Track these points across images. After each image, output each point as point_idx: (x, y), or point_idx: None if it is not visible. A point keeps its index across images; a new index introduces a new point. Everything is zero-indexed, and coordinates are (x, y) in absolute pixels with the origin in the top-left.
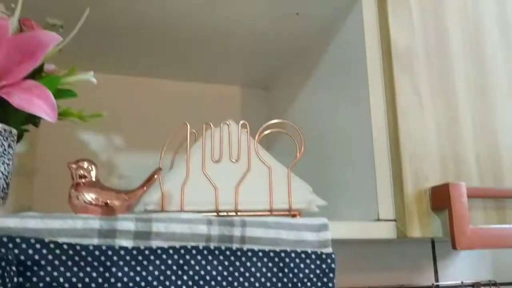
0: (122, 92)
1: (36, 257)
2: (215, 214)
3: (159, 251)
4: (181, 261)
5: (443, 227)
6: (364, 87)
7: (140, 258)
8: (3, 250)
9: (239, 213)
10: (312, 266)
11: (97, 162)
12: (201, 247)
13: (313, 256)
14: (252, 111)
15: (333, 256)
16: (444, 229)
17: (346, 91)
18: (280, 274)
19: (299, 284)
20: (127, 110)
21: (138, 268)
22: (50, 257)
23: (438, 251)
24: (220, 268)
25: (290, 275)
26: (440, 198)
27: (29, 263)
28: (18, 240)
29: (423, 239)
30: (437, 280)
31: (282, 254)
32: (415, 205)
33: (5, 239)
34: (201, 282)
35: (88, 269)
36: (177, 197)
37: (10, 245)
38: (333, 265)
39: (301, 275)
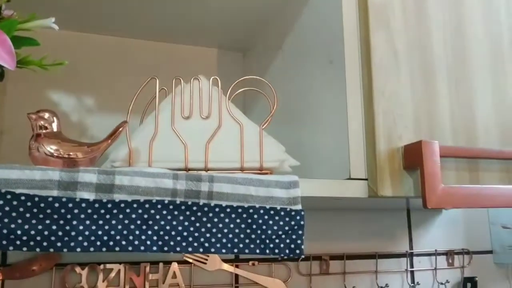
0: (95, 52)
1: None
2: (185, 172)
3: (122, 205)
4: (145, 215)
5: (415, 186)
6: (340, 44)
7: (102, 211)
8: None
9: (208, 171)
10: (281, 223)
11: (68, 124)
12: (166, 202)
13: (282, 213)
14: (229, 74)
15: (302, 213)
16: (415, 188)
17: (321, 50)
18: (248, 230)
19: (268, 241)
20: (99, 70)
21: (100, 222)
22: (7, 208)
23: (413, 220)
24: (186, 223)
25: (259, 231)
26: (413, 157)
27: None
28: None
29: (398, 207)
30: (411, 248)
31: (251, 210)
32: (387, 164)
33: None
34: (166, 237)
35: (48, 221)
36: (145, 154)
37: None
38: (302, 222)
39: (269, 232)
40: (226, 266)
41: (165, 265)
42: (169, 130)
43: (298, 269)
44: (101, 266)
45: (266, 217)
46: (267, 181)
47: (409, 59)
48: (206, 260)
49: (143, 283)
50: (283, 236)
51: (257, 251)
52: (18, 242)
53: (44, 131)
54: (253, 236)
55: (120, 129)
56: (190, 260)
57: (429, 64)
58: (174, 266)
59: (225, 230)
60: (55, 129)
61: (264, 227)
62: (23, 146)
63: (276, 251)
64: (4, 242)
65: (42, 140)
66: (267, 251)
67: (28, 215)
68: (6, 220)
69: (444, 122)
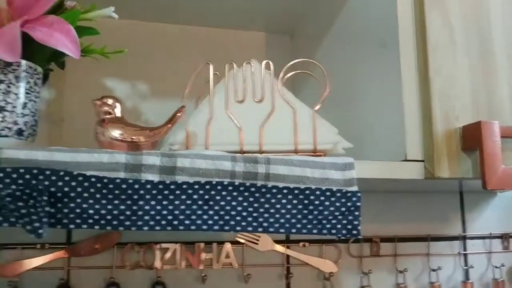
0: (147, 39)
1: (66, 189)
2: (243, 154)
3: (184, 186)
4: (206, 196)
5: (473, 167)
6: (393, 25)
7: (166, 192)
8: (34, 181)
9: (263, 154)
10: (337, 204)
11: (123, 109)
12: (226, 183)
13: (338, 194)
14: (276, 57)
15: (358, 194)
16: (474, 170)
17: (373, 31)
18: (305, 211)
19: (325, 221)
20: (152, 57)
21: (165, 202)
22: (79, 189)
23: (466, 202)
24: (245, 203)
25: (315, 212)
26: (472, 137)
27: (59, 194)
28: (47, 172)
29: (451, 190)
30: (464, 231)
31: (307, 192)
32: (445, 145)
33: (35, 171)
34: (227, 217)
35: (116, 202)
36: (201, 138)
37: (41, 177)
38: (358, 203)
39: (326, 213)
40: (278, 247)
41: (218, 245)
42: (224, 114)
43: (349, 251)
44: (158, 246)
45: (322, 198)
46: (322, 163)
47: (466, 37)
48: (258, 240)
49: (198, 262)
50: (340, 217)
51: (315, 231)
52: (90, 221)
53: (108, 116)
54: (310, 216)
55: (179, 114)
56: (242, 241)
57: (487, 41)
58: (227, 246)
59: (283, 211)
60: (118, 114)
61: (321, 208)
62: (83, 132)
63: (333, 231)
64: (78, 221)
65: (107, 125)
66: (324, 231)
67: (98, 195)
68: (78, 200)
69: (504, 102)
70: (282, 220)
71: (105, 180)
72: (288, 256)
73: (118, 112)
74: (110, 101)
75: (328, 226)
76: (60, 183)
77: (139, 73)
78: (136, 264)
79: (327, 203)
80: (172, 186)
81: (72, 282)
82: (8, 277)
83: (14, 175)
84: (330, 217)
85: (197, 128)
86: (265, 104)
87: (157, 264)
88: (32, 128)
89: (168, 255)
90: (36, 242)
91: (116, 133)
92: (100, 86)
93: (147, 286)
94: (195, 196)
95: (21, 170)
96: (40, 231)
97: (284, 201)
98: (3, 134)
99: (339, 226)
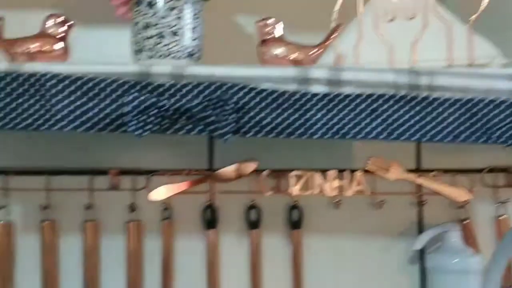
0: None
1: (244, 100)
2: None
3: (350, 97)
4: (371, 107)
5: None
6: None
7: (333, 103)
8: (216, 93)
9: None
10: (503, 115)
11: (252, 47)
12: (389, 95)
13: (505, 104)
14: None
15: None
16: None
17: None
18: (471, 121)
19: (490, 131)
20: None
21: (333, 112)
22: (256, 100)
23: None
24: (409, 114)
25: (481, 122)
26: None
27: (238, 105)
28: (228, 85)
29: None
30: None
31: (473, 101)
32: None
33: (217, 84)
34: (391, 127)
35: (289, 111)
36: (351, 58)
37: (222, 90)
38: None
39: (492, 122)
40: (408, 176)
41: (350, 172)
42: (373, 34)
43: (483, 181)
44: (293, 173)
45: (488, 108)
46: (486, 74)
47: None
48: (389, 169)
49: (331, 188)
50: (508, 126)
51: (481, 140)
52: (266, 129)
53: (270, 36)
54: (476, 126)
55: (336, 32)
56: (374, 169)
57: None
58: (359, 173)
59: (448, 121)
60: (279, 34)
61: (487, 118)
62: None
63: (501, 140)
64: (256, 129)
65: (270, 44)
66: (491, 141)
67: (272, 106)
68: (255, 111)
69: None
70: (447, 130)
71: (278, 92)
72: (419, 185)
73: (279, 32)
74: (271, 22)
75: (494, 135)
76: (239, 95)
77: (267, 7)
78: (273, 190)
79: (493, 113)
80: (339, 97)
81: (217, 205)
82: (160, 200)
83: (200, 88)
84: (497, 127)
85: (347, 49)
86: (417, 21)
87: (292, 190)
88: (200, 51)
89: (302, 181)
90: (182, 168)
91: (279, 51)
92: (231, 24)
93: (284, 210)
94: (360, 107)
95: (205, 84)
96: (227, 136)
97: (449, 111)
98: (178, 56)
99: (507, 135)
